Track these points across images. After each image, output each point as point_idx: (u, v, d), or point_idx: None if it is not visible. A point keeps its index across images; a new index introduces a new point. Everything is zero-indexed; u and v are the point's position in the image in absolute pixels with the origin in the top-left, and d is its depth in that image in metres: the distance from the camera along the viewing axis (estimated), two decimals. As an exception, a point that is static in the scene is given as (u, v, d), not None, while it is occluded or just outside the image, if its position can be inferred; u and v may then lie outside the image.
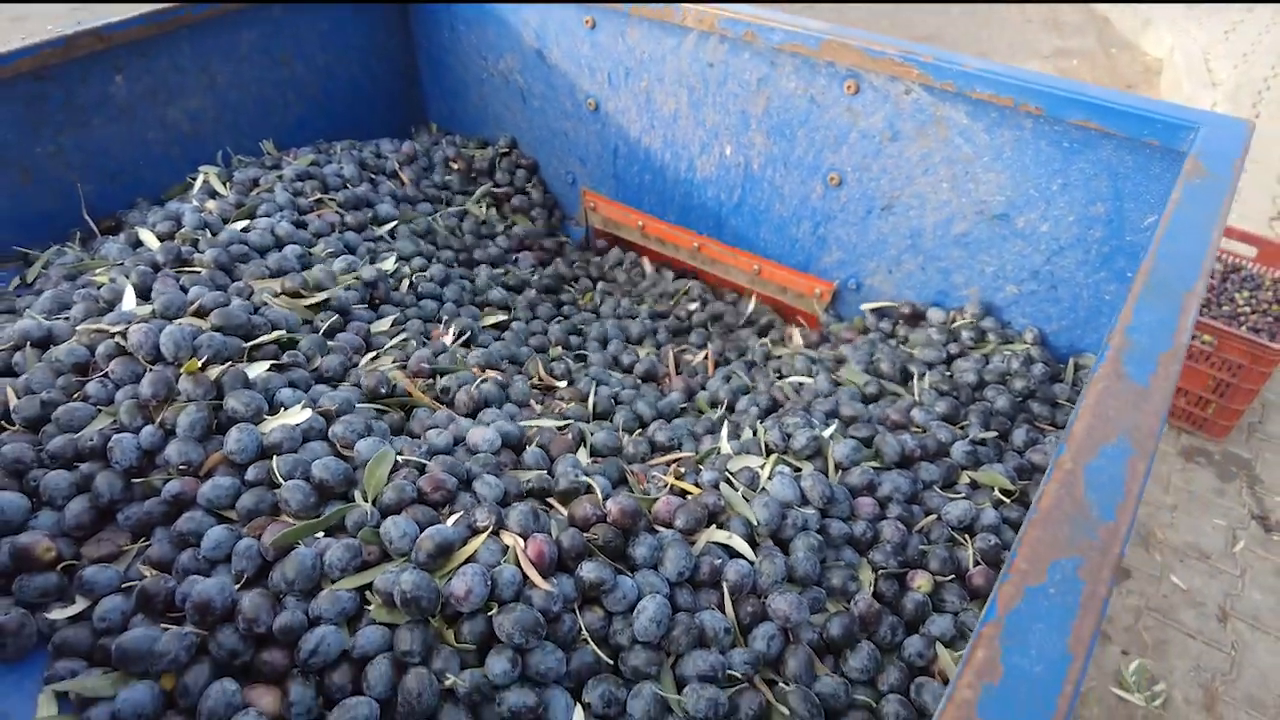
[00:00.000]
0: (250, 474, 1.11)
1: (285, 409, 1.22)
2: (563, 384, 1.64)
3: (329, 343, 1.45)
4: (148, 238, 1.59)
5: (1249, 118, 4.41)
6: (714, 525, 1.15)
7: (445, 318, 1.72)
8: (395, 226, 1.94)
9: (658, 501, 1.17)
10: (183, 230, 1.58)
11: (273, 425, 1.18)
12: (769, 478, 1.25)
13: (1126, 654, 2.05)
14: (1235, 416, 2.55)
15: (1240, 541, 2.33)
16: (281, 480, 1.09)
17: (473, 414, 1.42)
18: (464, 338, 1.67)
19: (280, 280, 1.52)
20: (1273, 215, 3.68)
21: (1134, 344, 0.88)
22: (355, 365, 1.44)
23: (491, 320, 1.82)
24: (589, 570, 1.01)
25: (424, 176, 2.20)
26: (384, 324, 1.58)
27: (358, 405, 1.31)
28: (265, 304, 1.46)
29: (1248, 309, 2.75)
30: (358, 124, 2.31)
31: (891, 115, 1.63)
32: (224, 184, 1.85)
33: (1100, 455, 0.76)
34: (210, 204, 1.70)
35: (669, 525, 1.15)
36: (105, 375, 1.20)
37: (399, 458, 1.16)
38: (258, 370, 1.27)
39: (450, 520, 1.07)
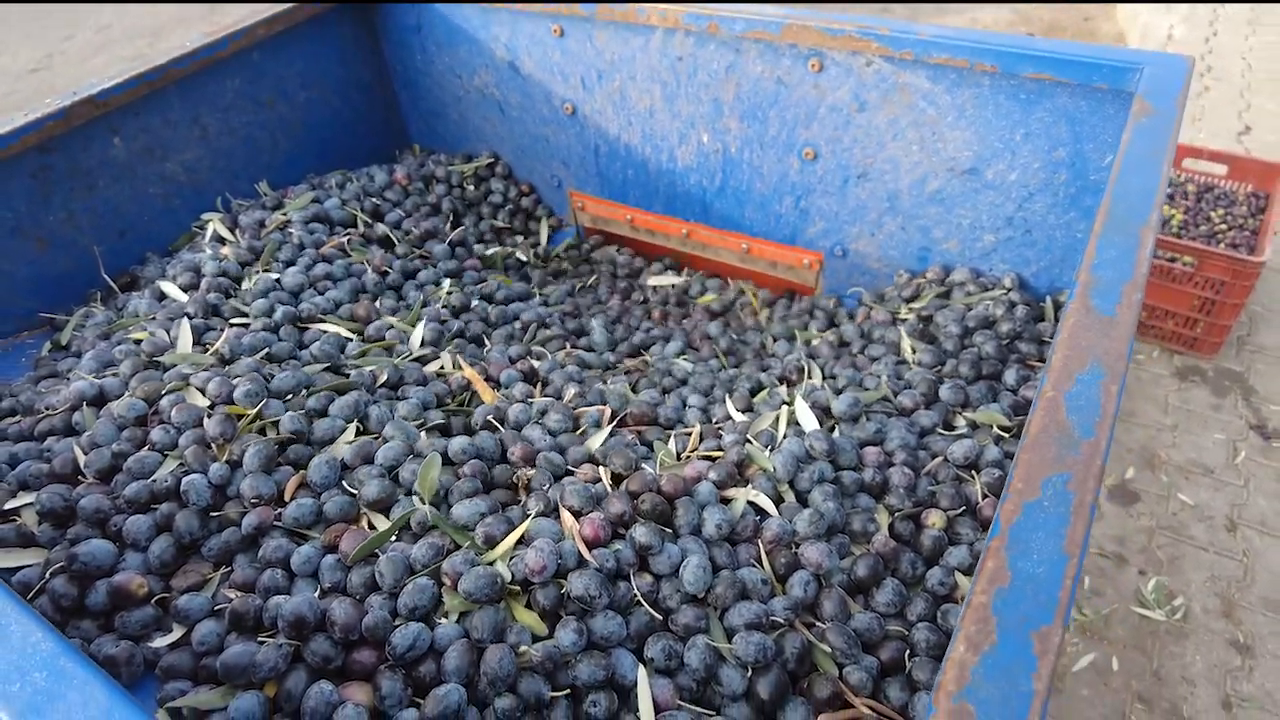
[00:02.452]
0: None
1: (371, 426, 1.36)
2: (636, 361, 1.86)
3: (395, 361, 1.57)
4: (172, 290, 1.67)
5: (1207, 35, 4.47)
6: (746, 484, 1.26)
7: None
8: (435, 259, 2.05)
9: (686, 467, 1.28)
10: (206, 279, 1.67)
11: (348, 441, 1.31)
12: (783, 437, 1.35)
13: (1144, 574, 2.14)
14: (1223, 332, 2.62)
15: (1241, 453, 2.42)
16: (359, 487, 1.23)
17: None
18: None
19: (331, 319, 1.65)
20: (1240, 130, 3.77)
21: (1099, 279, 0.97)
22: (424, 373, 1.57)
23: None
24: (641, 534, 1.11)
25: (420, 194, 2.29)
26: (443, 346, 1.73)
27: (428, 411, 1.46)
28: (319, 339, 1.60)
29: (1224, 226, 2.82)
30: (344, 154, 2.39)
31: (856, 88, 1.72)
32: (230, 229, 1.93)
33: (1077, 382, 0.85)
34: (226, 250, 1.78)
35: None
36: (164, 421, 1.30)
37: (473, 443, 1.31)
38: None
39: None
